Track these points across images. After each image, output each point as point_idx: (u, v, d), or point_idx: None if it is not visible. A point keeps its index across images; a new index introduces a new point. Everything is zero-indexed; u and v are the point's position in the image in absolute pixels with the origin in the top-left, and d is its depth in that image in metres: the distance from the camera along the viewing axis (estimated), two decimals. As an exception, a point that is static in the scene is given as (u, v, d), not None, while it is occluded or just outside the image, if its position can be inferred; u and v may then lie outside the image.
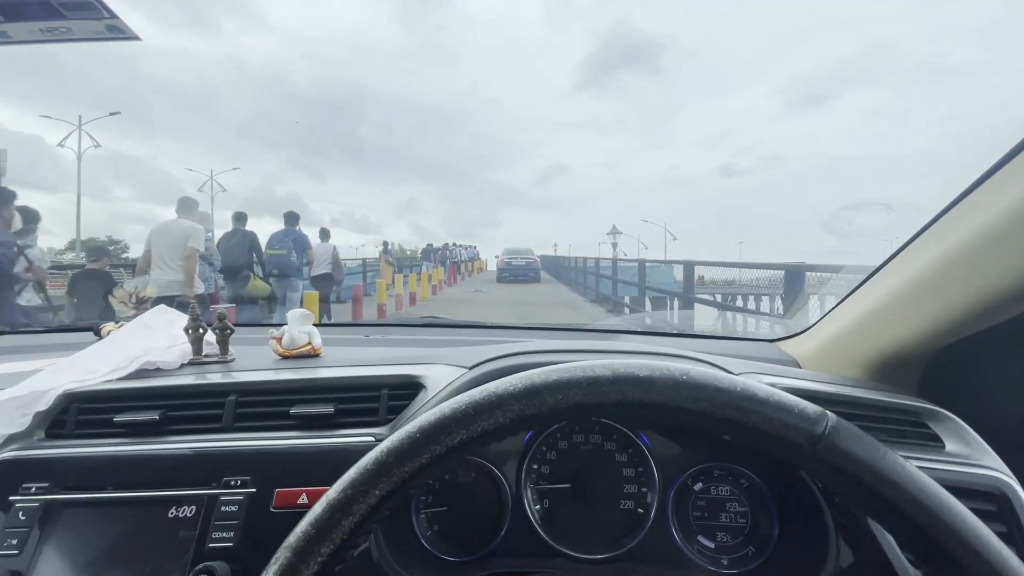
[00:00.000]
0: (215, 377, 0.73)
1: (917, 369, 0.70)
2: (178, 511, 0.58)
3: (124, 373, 0.72)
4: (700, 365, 0.35)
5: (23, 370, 0.76)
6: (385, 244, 14.56)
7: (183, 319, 0.82)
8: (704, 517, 0.68)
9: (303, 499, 0.58)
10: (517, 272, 18.32)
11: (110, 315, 1.05)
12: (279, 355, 0.82)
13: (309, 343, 0.83)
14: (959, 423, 0.61)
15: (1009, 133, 0.52)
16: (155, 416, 0.65)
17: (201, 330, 0.80)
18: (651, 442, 0.70)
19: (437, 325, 1.31)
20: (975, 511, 0.31)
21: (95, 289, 4.21)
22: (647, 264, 9.81)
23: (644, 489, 0.69)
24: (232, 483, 0.59)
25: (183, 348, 0.80)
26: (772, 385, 0.36)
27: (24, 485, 0.59)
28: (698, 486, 0.69)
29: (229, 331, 0.81)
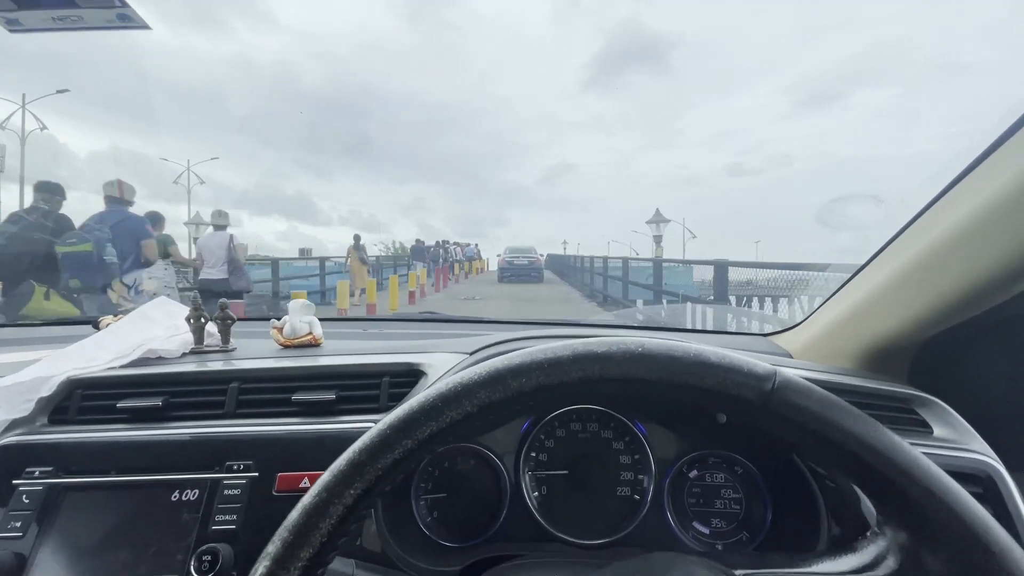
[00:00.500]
0: (217, 365, 0.73)
1: (906, 358, 0.72)
2: (181, 495, 0.59)
3: (126, 361, 0.73)
4: (656, 338, 0.36)
5: (25, 359, 0.76)
6: (356, 238, 11.73)
7: (184, 310, 0.83)
8: (699, 503, 0.69)
9: (305, 483, 0.58)
10: (519, 272, 18.10)
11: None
12: (280, 344, 0.83)
13: (310, 332, 0.83)
14: (946, 409, 0.63)
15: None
16: (158, 402, 0.65)
17: (203, 319, 0.81)
18: (647, 430, 0.71)
19: (436, 320, 1.32)
20: None
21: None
22: (664, 265, 8.58)
23: (640, 476, 0.70)
24: (235, 467, 0.60)
25: (185, 337, 0.81)
26: None
27: (27, 469, 0.60)
28: (693, 473, 0.70)
29: (230, 321, 0.82)
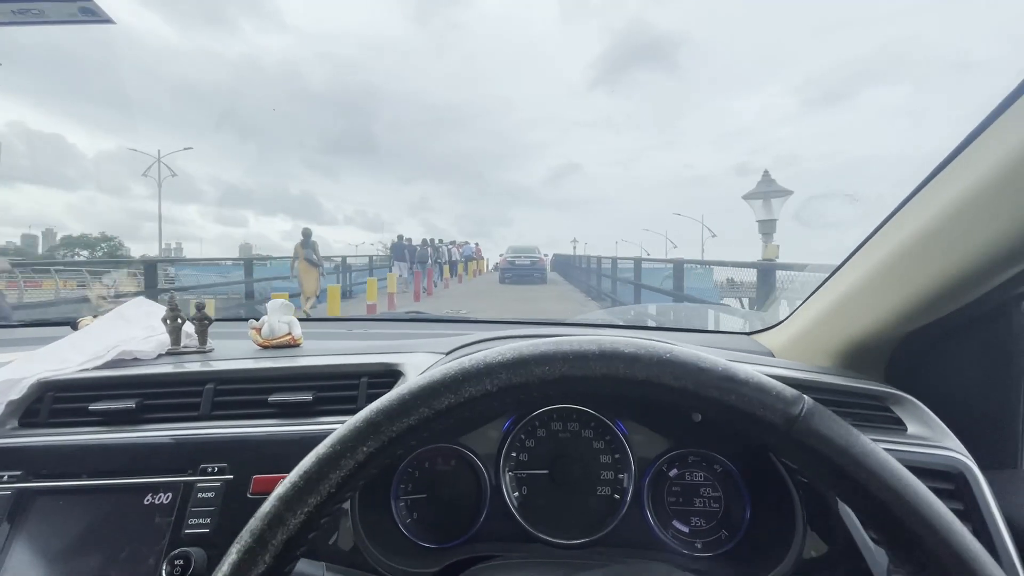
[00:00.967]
0: (193, 366, 0.72)
1: (883, 356, 0.73)
2: (154, 498, 0.58)
3: (100, 362, 0.71)
4: (684, 345, 0.36)
5: (-3, 361, 0.75)
6: (306, 234, 8.41)
7: (161, 310, 0.82)
8: (679, 502, 0.69)
9: None
10: (521, 272, 17.66)
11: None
12: (259, 345, 0.82)
13: (289, 333, 0.83)
14: (920, 407, 0.64)
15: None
16: (131, 404, 0.64)
17: (179, 320, 0.80)
18: (627, 429, 0.71)
19: (420, 320, 1.32)
20: (934, 490, 0.33)
21: None
22: (685, 265, 7.18)
23: (620, 475, 0.70)
24: (209, 470, 0.59)
25: (161, 338, 0.80)
26: None
27: None
28: (673, 472, 0.70)
29: (208, 322, 0.81)
